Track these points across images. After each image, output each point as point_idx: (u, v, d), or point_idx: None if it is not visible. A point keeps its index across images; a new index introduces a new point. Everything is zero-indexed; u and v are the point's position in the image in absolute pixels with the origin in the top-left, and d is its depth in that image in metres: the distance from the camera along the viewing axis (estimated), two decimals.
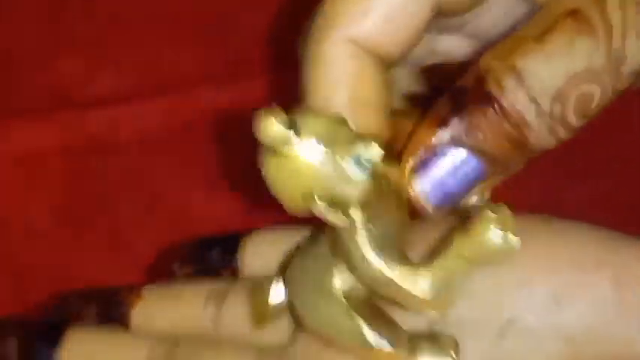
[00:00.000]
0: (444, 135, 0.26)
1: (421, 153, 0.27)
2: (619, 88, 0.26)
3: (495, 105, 0.25)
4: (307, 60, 0.27)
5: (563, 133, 0.26)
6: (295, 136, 0.25)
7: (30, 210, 0.43)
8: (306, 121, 0.25)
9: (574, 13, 0.25)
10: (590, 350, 0.28)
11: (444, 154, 0.26)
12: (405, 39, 0.27)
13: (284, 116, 0.25)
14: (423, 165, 0.27)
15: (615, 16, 0.25)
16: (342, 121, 0.26)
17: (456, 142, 0.26)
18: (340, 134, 0.25)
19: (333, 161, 0.25)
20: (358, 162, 0.25)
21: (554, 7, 0.26)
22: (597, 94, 0.25)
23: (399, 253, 0.27)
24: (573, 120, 0.25)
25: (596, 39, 0.25)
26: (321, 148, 0.25)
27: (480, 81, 0.26)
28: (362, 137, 0.26)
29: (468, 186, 0.27)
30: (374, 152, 0.25)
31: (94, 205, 0.42)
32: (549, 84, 0.25)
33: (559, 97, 0.25)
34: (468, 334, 0.28)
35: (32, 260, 0.42)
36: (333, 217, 0.26)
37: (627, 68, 0.25)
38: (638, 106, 0.44)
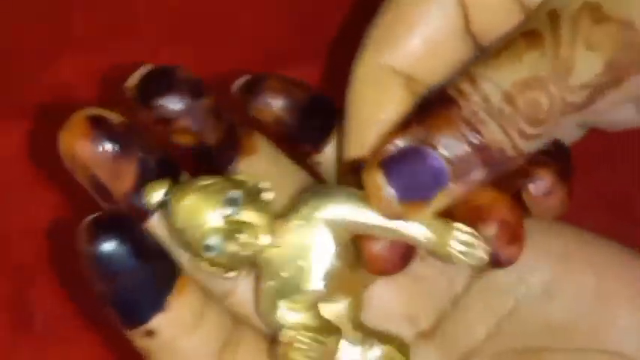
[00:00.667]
0: (406, 138, 0.27)
1: (385, 155, 0.27)
2: (571, 100, 0.26)
3: (454, 107, 0.27)
4: (350, 79, 0.30)
5: (520, 141, 0.27)
6: (168, 205, 0.28)
7: (31, 209, 0.43)
8: (181, 194, 0.28)
9: (529, 32, 0.27)
10: (569, 337, 0.31)
11: (406, 156, 0.27)
12: (443, 70, 0.29)
13: (164, 187, 0.28)
14: (387, 167, 0.27)
15: (565, 28, 0.26)
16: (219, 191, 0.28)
17: (417, 144, 0.27)
18: (210, 209, 0.28)
19: (197, 233, 0.28)
20: (217, 241, 0.28)
21: (514, 30, 0.28)
22: (545, 102, 0.26)
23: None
24: (525, 126, 0.26)
25: (543, 49, 0.26)
26: (186, 219, 0.28)
27: (442, 89, 0.27)
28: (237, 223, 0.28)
29: (431, 189, 0.27)
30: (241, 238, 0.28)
31: (95, 205, 0.42)
32: (498, 87, 0.26)
33: (507, 99, 0.26)
34: (476, 317, 0.31)
35: (31, 259, 0.42)
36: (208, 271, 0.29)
37: (576, 79, 0.26)
38: None
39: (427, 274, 0.32)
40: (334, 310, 0.30)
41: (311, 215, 0.29)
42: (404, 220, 0.28)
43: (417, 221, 0.28)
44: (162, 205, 0.28)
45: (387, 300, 0.32)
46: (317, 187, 0.30)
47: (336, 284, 0.29)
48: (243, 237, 0.28)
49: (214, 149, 0.31)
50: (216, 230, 0.28)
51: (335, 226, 0.28)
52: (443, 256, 0.28)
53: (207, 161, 0.31)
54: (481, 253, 0.27)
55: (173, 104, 0.29)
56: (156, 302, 0.29)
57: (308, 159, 0.32)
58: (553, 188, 0.30)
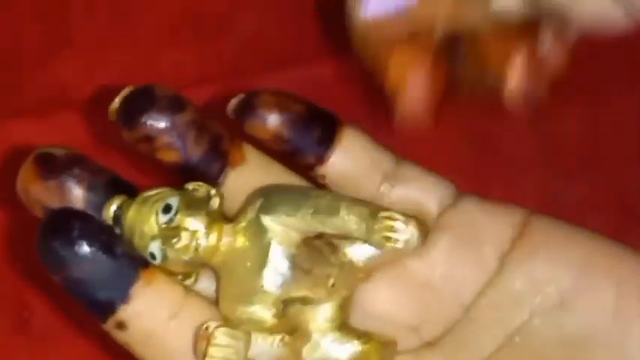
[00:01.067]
0: None
1: None
2: None
3: None
4: None
5: None
6: (120, 219, 0.29)
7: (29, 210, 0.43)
8: (127, 206, 0.29)
9: None
10: (584, 351, 0.30)
11: None
12: None
13: (118, 202, 0.29)
14: None
15: None
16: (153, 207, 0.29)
17: None
18: (150, 225, 0.28)
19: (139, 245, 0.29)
20: (157, 248, 0.28)
21: None
22: None
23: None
24: None
25: None
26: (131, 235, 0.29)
27: None
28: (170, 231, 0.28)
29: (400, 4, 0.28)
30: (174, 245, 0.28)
31: None
32: None
33: None
34: (486, 328, 0.30)
35: (30, 257, 0.42)
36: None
37: None
38: (630, 106, 0.44)
39: (434, 283, 0.32)
40: (318, 312, 0.30)
41: (256, 216, 0.29)
42: (336, 216, 0.28)
43: (352, 215, 0.28)
44: (115, 218, 0.29)
45: (392, 309, 0.32)
46: (265, 187, 0.30)
47: (296, 284, 0.29)
48: (178, 242, 0.28)
49: (201, 163, 0.31)
50: (153, 237, 0.28)
51: (281, 227, 0.29)
52: (373, 244, 0.28)
53: (196, 177, 0.31)
54: (408, 236, 0.28)
55: (152, 121, 0.30)
56: (118, 293, 0.28)
57: (312, 172, 0.32)
58: (553, 47, 0.30)
